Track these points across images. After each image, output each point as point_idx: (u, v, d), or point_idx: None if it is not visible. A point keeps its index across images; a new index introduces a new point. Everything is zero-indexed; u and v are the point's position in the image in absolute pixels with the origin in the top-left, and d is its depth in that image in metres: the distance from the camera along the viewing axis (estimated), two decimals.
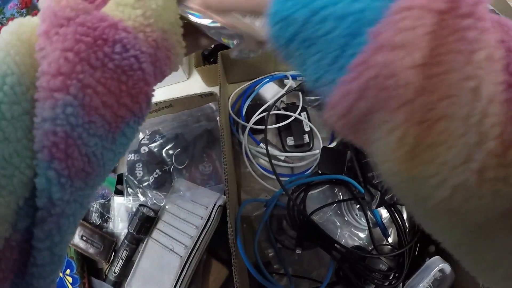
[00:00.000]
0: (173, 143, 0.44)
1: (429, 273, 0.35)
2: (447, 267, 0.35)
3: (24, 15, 1.60)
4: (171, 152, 0.43)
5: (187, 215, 0.39)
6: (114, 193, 0.45)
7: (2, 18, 1.74)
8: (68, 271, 0.43)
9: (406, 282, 0.36)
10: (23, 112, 0.16)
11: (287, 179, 0.40)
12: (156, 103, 0.46)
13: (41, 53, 0.16)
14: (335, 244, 0.36)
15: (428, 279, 0.35)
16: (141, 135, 0.47)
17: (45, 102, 0.15)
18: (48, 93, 0.15)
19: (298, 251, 0.38)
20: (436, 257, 0.36)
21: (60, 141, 0.15)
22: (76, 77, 0.16)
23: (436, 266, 0.35)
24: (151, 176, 0.42)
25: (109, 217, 0.44)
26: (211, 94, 0.44)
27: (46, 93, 0.15)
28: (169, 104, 0.47)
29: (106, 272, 0.43)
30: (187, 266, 0.37)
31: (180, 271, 0.37)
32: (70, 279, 0.43)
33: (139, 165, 0.45)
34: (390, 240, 0.40)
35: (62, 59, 0.15)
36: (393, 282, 0.36)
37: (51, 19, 0.16)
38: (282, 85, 0.46)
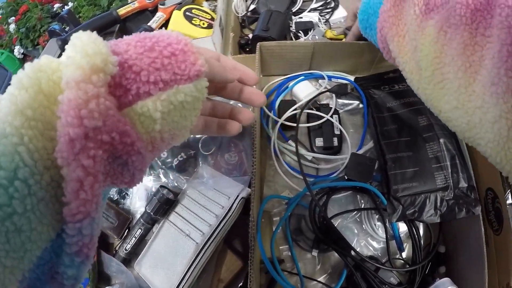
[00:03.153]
0: None
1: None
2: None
3: None
4: (198, 137, 0.43)
5: (208, 203, 0.40)
6: None
7: None
8: None
9: None
10: (37, 201, 0.15)
11: (311, 179, 0.40)
12: None
13: (61, 154, 0.16)
14: (351, 251, 0.37)
15: None
16: None
17: (69, 225, 0.16)
18: (71, 218, 0.16)
19: (314, 253, 0.38)
20: (446, 279, 0.36)
21: (89, 242, 0.17)
22: (96, 201, 0.17)
23: (445, 287, 0.35)
24: (176, 159, 0.43)
25: (127, 194, 0.45)
26: None
27: (70, 218, 0.16)
28: None
29: (117, 248, 0.44)
30: (201, 254, 0.38)
31: (194, 258, 0.37)
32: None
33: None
34: (404, 255, 0.41)
35: (82, 190, 0.16)
36: None
37: (78, 123, 0.16)
38: (317, 84, 0.46)
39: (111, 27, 0.64)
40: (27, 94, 0.16)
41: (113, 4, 1.25)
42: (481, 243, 0.34)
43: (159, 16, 0.62)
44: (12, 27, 1.87)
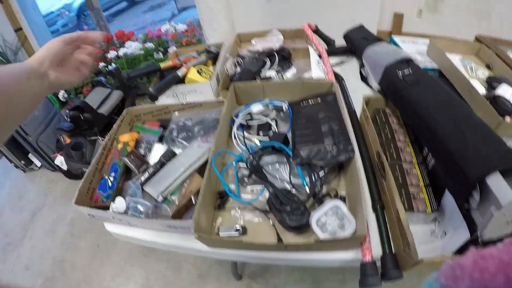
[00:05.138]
0: (196, 121, 0.82)
1: (326, 205, 0.58)
2: (340, 203, 0.58)
3: (103, 47, 2.22)
4: (194, 128, 0.81)
5: (191, 154, 0.73)
6: (157, 141, 0.81)
7: None
8: (112, 174, 0.75)
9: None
10: None
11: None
12: (194, 102, 0.85)
13: None
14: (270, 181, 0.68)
15: (325, 208, 0.58)
16: (180, 117, 0.85)
17: None
18: None
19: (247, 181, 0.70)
20: (336, 199, 0.59)
21: None
22: None
23: (332, 202, 0.58)
24: (180, 136, 0.79)
25: (149, 152, 0.79)
26: (222, 101, 0.83)
27: None
28: (200, 104, 0.86)
29: (135, 179, 0.75)
30: (182, 173, 0.70)
31: (177, 176, 0.69)
32: (112, 178, 0.75)
33: (174, 130, 0.82)
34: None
35: None
36: (302, 208, 0.61)
37: None
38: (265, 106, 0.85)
39: (154, 73, 1.07)
40: None
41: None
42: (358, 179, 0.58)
43: (182, 70, 1.05)
44: None
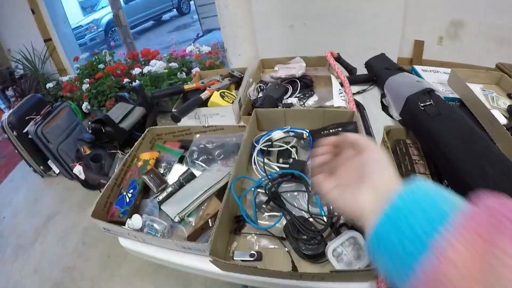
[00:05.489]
0: (217, 145, 0.84)
1: (343, 236, 0.58)
2: (357, 235, 0.58)
3: (129, 63, 2.33)
4: (215, 151, 0.82)
5: (210, 176, 0.75)
6: (177, 162, 0.83)
7: (110, 60, 2.56)
8: (131, 191, 0.78)
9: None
10: None
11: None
12: (216, 126, 0.88)
13: None
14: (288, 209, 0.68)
15: (342, 239, 0.58)
16: (201, 140, 0.88)
17: None
18: None
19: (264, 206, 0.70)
20: (351, 230, 0.59)
21: None
22: None
23: (349, 233, 0.58)
24: (200, 158, 0.81)
25: (169, 172, 0.81)
26: (244, 126, 0.85)
27: None
28: (221, 128, 0.89)
29: (153, 198, 0.76)
30: (200, 196, 0.71)
31: (195, 198, 0.70)
32: (130, 195, 0.77)
33: (195, 152, 0.84)
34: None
35: None
36: (319, 238, 0.61)
37: None
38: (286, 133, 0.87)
39: (177, 94, 1.11)
40: None
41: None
42: None
43: (206, 93, 1.08)
44: (85, 86, 2.48)
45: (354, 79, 1.15)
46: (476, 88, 0.96)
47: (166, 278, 1.52)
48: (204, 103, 1.03)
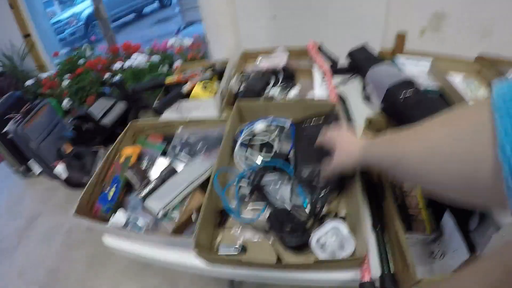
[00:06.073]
0: (200, 138, 0.83)
1: (326, 226, 0.60)
2: (340, 225, 0.59)
3: (110, 58, 2.27)
4: (198, 144, 0.82)
5: (193, 170, 0.74)
6: (160, 155, 0.82)
7: (91, 55, 2.48)
8: (114, 187, 0.76)
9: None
10: None
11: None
12: (198, 119, 0.87)
13: None
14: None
15: (325, 229, 0.59)
16: (184, 133, 0.87)
17: None
18: None
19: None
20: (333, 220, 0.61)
21: None
22: None
23: (332, 223, 0.60)
24: (183, 151, 0.80)
25: (152, 166, 0.80)
26: (225, 120, 0.85)
27: None
28: (203, 121, 0.88)
29: (136, 194, 0.75)
30: (183, 190, 0.70)
31: (179, 192, 0.70)
32: (112, 192, 0.76)
33: (178, 145, 0.83)
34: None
35: None
36: (302, 229, 0.61)
37: None
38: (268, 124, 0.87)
39: (159, 88, 1.09)
40: None
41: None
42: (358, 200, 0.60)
43: (188, 86, 1.07)
44: (65, 82, 2.40)
45: (336, 69, 1.15)
46: (458, 78, 0.98)
47: (153, 276, 1.51)
48: (186, 96, 1.02)
